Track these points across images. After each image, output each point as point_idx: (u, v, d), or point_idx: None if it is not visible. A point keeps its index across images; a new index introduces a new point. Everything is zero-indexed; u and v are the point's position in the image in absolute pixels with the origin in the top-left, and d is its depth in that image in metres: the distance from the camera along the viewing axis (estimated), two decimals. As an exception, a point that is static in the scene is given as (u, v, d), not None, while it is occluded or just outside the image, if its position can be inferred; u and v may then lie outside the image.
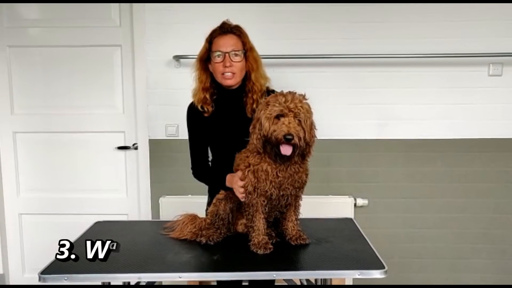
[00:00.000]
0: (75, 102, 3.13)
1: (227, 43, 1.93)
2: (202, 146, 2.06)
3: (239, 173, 1.77)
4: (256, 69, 1.98)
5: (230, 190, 1.85)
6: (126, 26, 3.04)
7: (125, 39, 3.05)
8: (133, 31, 3.00)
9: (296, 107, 1.62)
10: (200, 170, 2.08)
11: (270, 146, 1.65)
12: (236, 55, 1.92)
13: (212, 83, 2.00)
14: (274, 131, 1.61)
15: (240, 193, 1.77)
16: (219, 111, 2.01)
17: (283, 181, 1.70)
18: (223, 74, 1.94)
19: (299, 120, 1.62)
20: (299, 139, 1.61)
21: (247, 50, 1.97)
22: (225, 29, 1.95)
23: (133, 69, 3.05)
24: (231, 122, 2.00)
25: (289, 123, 1.60)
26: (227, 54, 1.91)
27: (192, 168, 2.10)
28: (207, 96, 1.99)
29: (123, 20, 3.04)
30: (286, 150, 1.62)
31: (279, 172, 1.69)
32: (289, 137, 1.59)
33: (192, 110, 2.05)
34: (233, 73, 1.94)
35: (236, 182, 1.79)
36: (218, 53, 1.92)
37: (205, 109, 2.00)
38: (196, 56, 2.03)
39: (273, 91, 2.00)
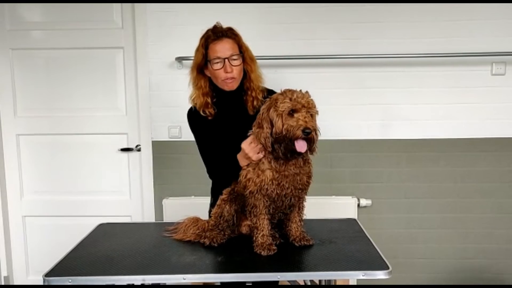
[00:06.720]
0: (78, 104, 3.14)
1: (224, 48, 1.90)
2: (213, 147, 2.02)
3: (248, 139, 1.74)
4: (254, 69, 1.98)
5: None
6: (128, 28, 3.05)
7: (127, 41, 3.06)
8: (135, 33, 3.01)
9: (307, 102, 1.62)
10: (217, 169, 2.02)
11: (284, 143, 1.62)
12: (234, 59, 1.91)
13: (210, 85, 2.00)
14: (291, 127, 1.59)
15: (255, 154, 1.71)
16: (221, 112, 2.00)
17: (281, 180, 1.68)
18: (224, 80, 1.93)
19: (311, 115, 1.63)
20: (315, 133, 1.62)
21: (244, 51, 1.95)
22: (219, 33, 1.91)
23: (136, 71, 3.06)
24: (235, 122, 1.99)
25: (304, 117, 1.60)
26: (226, 60, 1.89)
27: (208, 172, 2.06)
28: (208, 100, 1.98)
29: (125, 22, 3.05)
30: (301, 146, 1.61)
31: (277, 172, 1.68)
32: (308, 131, 1.58)
33: (194, 116, 2.03)
34: (234, 78, 1.93)
35: (246, 147, 1.74)
36: (217, 60, 1.90)
37: (208, 113, 1.98)
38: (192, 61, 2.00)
39: (272, 91, 2.00)
